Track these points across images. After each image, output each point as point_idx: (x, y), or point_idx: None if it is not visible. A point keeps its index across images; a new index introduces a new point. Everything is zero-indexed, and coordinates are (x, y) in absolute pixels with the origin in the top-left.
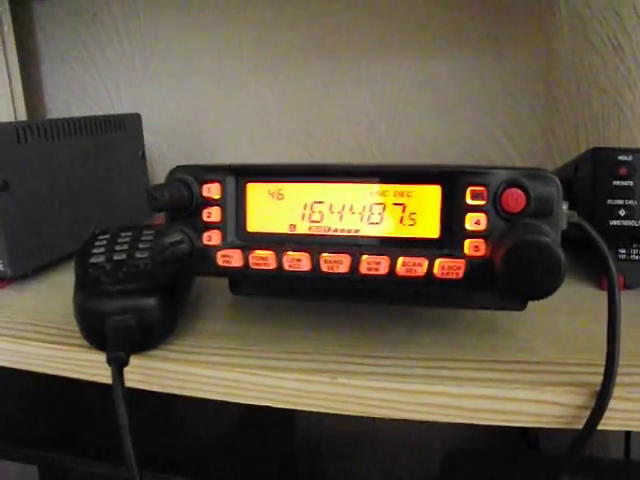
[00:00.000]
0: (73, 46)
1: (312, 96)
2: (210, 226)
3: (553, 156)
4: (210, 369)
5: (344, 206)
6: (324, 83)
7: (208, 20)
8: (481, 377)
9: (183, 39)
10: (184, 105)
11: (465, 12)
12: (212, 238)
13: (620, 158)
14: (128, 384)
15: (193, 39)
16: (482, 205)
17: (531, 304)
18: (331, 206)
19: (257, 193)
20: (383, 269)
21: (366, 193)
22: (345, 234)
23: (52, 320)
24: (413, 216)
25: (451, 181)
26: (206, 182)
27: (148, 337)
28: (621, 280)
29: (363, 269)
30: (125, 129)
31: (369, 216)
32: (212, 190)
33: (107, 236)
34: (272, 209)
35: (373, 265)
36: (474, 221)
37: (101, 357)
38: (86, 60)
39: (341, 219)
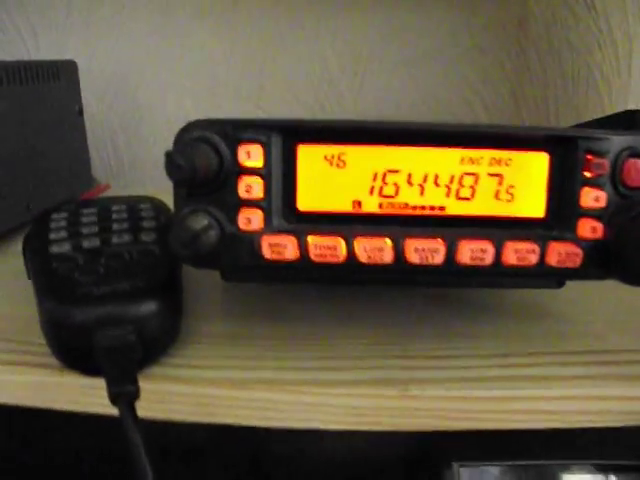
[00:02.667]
0: None
1: (265, 46)
2: (249, 203)
3: (521, 115)
4: (235, 388)
5: (426, 176)
6: (280, 32)
7: None
8: (568, 374)
9: None
10: (116, 55)
11: None
12: (252, 221)
13: None
14: None
15: None
16: (601, 177)
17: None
18: (409, 176)
19: (311, 159)
20: (489, 258)
21: (455, 160)
22: (427, 213)
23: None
24: (511, 190)
25: (564, 148)
26: (243, 143)
27: (150, 352)
28: None
29: (464, 258)
30: (59, 79)
31: (457, 190)
32: (253, 154)
33: (64, 214)
34: (330, 180)
35: (478, 254)
36: (592, 197)
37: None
38: None
39: (422, 193)
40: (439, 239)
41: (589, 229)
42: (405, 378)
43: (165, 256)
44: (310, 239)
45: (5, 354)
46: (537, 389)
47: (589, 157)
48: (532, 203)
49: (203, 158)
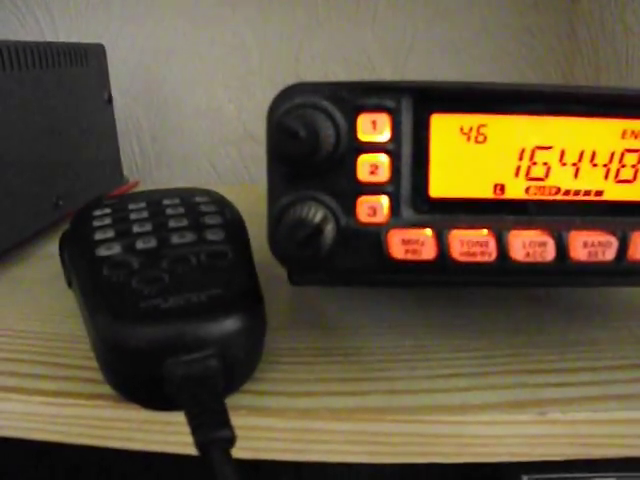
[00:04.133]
0: None
1: (301, 31)
2: (372, 189)
3: None
4: (338, 421)
5: (582, 154)
6: (316, 16)
7: None
8: None
9: None
10: (141, 42)
11: None
12: (377, 211)
13: None
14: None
15: None
16: None
17: None
18: (562, 153)
19: (446, 132)
20: None
21: (616, 133)
22: (581, 199)
23: (30, 347)
24: None
25: None
26: (365, 111)
27: (235, 380)
28: None
29: (638, 254)
30: (87, 63)
31: (618, 170)
32: (378, 124)
33: (107, 210)
34: (468, 159)
35: None
36: None
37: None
38: None
39: (577, 175)
40: (610, 231)
41: None
42: (537, 399)
43: (241, 258)
44: (454, 233)
45: (42, 381)
46: None
47: None
48: None
49: (325, 127)
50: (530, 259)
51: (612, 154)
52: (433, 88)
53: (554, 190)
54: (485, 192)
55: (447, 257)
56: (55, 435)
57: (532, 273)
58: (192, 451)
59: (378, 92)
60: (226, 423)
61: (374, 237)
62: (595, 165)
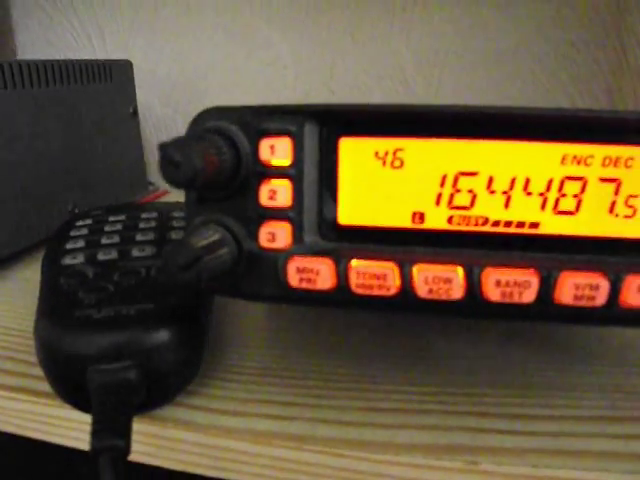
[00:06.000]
0: None
1: (335, 46)
2: (274, 214)
3: None
4: (257, 444)
5: (514, 181)
6: (350, 30)
7: None
8: None
9: None
10: (182, 57)
11: None
12: (276, 236)
13: None
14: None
15: None
16: None
17: None
18: (491, 180)
19: (357, 156)
20: (601, 297)
21: (554, 159)
22: (514, 231)
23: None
24: (632, 201)
25: None
26: (267, 135)
27: (160, 392)
28: None
29: (566, 297)
30: (112, 79)
31: (557, 200)
32: (278, 149)
33: (88, 222)
34: (383, 185)
35: (586, 291)
36: None
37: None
38: (63, 3)
39: (508, 204)
40: (531, 269)
41: None
42: (474, 445)
43: None
44: (353, 263)
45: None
46: None
47: None
48: None
49: (211, 154)
50: (434, 296)
51: (550, 182)
52: (339, 111)
53: (481, 220)
54: (403, 221)
55: (345, 288)
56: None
57: (434, 311)
58: None
59: (280, 116)
60: (122, 433)
61: (274, 263)
62: (529, 194)
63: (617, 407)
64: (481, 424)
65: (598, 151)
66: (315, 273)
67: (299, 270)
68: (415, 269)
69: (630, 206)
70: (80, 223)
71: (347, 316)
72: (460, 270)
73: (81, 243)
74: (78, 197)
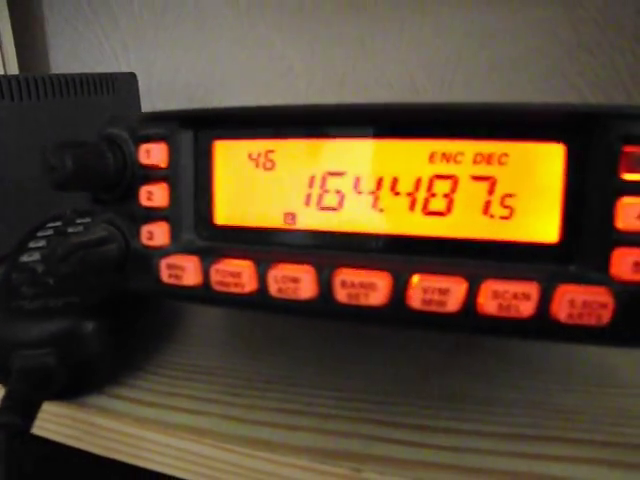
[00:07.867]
0: (76, 4)
1: (346, 56)
2: (152, 214)
3: None
4: (167, 435)
5: (381, 181)
6: (361, 40)
7: None
8: None
9: None
10: (199, 68)
11: None
12: (154, 235)
13: None
14: (57, 438)
15: None
16: None
17: None
18: (357, 181)
19: (232, 158)
20: (452, 304)
21: (421, 156)
22: (382, 233)
23: None
24: (509, 201)
25: (589, 134)
26: (145, 140)
27: (81, 380)
28: None
29: (414, 301)
30: (115, 91)
31: (426, 200)
32: (153, 153)
33: (58, 223)
34: (257, 186)
35: (434, 296)
36: (635, 213)
37: None
38: (91, 19)
39: (376, 205)
40: (383, 272)
41: (629, 265)
42: (364, 453)
43: None
44: (216, 262)
45: None
46: None
47: (629, 147)
48: (539, 221)
49: (94, 157)
50: (283, 295)
51: (418, 181)
52: (212, 115)
53: (349, 222)
54: (276, 221)
55: (208, 285)
56: None
57: (287, 310)
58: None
59: (156, 121)
60: (26, 413)
61: (150, 260)
62: (397, 194)
63: (536, 425)
64: (379, 432)
65: (468, 147)
66: (182, 270)
67: (169, 267)
68: (270, 269)
69: (507, 206)
70: (50, 224)
71: (298, 322)
72: (310, 271)
73: (42, 242)
74: (77, 202)
